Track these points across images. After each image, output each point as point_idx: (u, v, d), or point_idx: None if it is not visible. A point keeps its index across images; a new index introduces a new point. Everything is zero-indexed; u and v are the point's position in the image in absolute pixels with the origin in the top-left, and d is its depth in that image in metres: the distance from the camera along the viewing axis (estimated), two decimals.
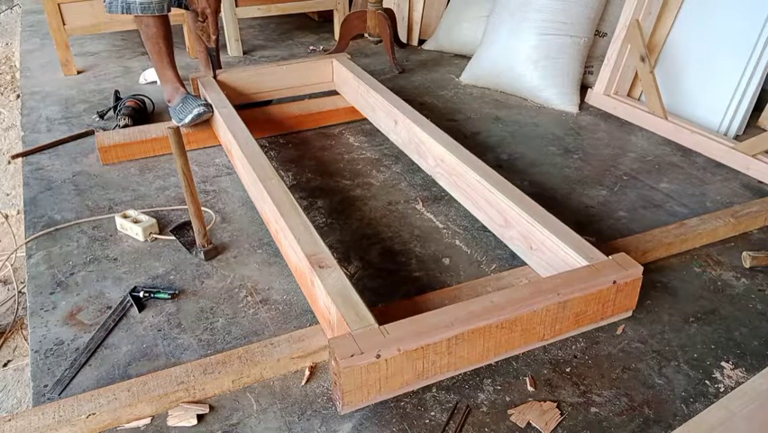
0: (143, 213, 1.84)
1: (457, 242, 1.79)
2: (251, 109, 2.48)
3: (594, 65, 2.89)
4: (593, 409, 1.25)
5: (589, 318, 1.41)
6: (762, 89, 2.39)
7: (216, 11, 2.23)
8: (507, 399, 1.28)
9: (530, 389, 1.30)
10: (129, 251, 1.74)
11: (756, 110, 2.50)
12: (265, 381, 1.32)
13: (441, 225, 1.87)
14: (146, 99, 2.62)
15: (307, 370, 1.33)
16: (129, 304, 1.52)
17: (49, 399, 1.27)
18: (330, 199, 2.00)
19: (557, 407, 1.25)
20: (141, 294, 1.55)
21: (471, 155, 1.83)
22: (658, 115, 2.47)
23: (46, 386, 1.30)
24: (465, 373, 1.32)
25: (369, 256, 1.73)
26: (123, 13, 2.08)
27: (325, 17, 4.01)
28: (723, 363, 1.38)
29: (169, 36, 2.19)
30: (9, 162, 2.90)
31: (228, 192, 2.03)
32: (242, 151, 1.85)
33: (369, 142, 2.39)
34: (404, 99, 2.23)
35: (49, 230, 1.82)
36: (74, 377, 1.32)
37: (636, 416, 1.24)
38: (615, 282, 1.39)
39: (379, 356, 1.17)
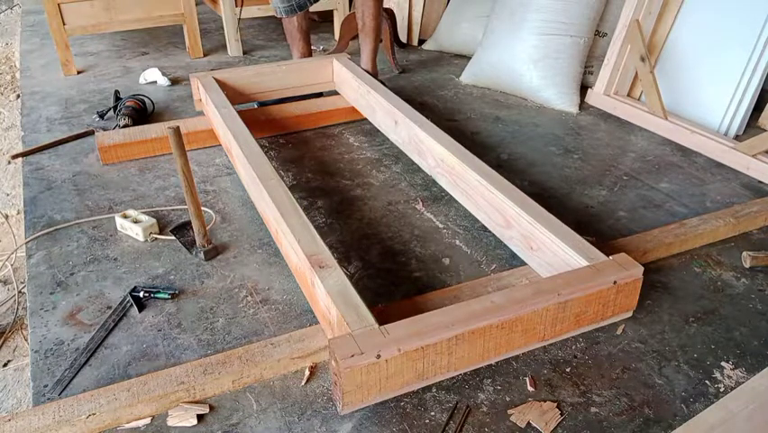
0: (143, 213, 1.84)
1: (457, 242, 1.79)
2: (251, 109, 2.48)
3: (594, 65, 2.89)
4: (593, 409, 1.25)
5: (589, 319, 1.41)
6: (762, 89, 2.39)
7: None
8: (507, 399, 1.28)
9: (530, 389, 1.30)
10: (129, 251, 1.74)
11: (756, 110, 2.50)
12: (265, 381, 1.32)
13: (441, 225, 1.87)
14: (146, 99, 2.62)
15: (307, 370, 1.33)
16: (129, 304, 1.52)
17: (49, 399, 1.27)
18: (330, 199, 2.00)
19: (557, 407, 1.25)
20: (141, 294, 1.55)
21: (471, 155, 1.83)
22: (658, 114, 2.47)
23: (46, 386, 1.30)
24: (465, 373, 1.32)
25: (369, 256, 1.73)
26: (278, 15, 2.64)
27: (325, 17, 4.01)
28: (723, 363, 1.38)
29: (295, 30, 2.71)
30: (9, 162, 2.91)
31: (228, 192, 2.03)
32: (242, 151, 1.85)
33: (369, 142, 2.39)
34: (404, 99, 2.23)
35: (49, 230, 1.82)
36: (74, 377, 1.32)
37: (636, 416, 1.24)
38: (615, 282, 1.39)
39: (379, 357, 1.17)
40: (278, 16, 2.65)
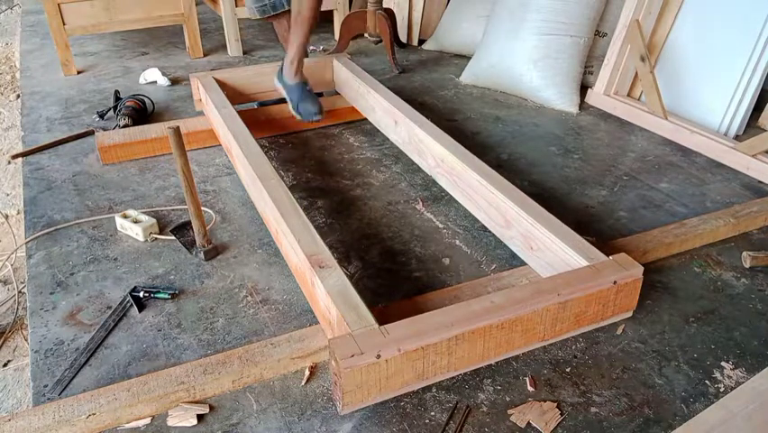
0: (143, 213, 1.84)
1: (457, 242, 1.79)
2: (251, 109, 2.48)
3: (594, 65, 2.89)
4: (593, 409, 1.25)
5: (589, 319, 1.41)
6: (762, 89, 2.39)
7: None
8: (507, 399, 1.28)
9: (530, 389, 1.30)
10: (129, 251, 1.74)
11: (756, 110, 2.50)
12: (265, 381, 1.32)
13: (441, 225, 1.87)
14: (146, 99, 2.62)
15: (307, 370, 1.33)
16: (129, 304, 1.52)
17: (49, 399, 1.27)
18: (330, 199, 2.00)
19: (557, 407, 1.25)
20: (141, 294, 1.55)
21: (471, 155, 1.83)
22: (658, 115, 2.47)
23: (46, 386, 1.30)
24: (465, 373, 1.32)
25: (369, 256, 1.73)
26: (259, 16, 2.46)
27: (325, 17, 4.01)
28: (723, 363, 1.38)
29: (286, 32, 2.50)
30: (9, 162, 2.90)
31: (228, 192, 2.03)
32: (242, 151, 1.85)
33: (369, 142, 2.39)
34: (404, 99, 2.23)
35: (49, 230, 1.82)
36: (74, 377, 1.32)
37: (636, 416, 1.24)
38: (615, 282, 1.39)
39: (379, 357, 1.17)
40: (253, 17, 2.54)
